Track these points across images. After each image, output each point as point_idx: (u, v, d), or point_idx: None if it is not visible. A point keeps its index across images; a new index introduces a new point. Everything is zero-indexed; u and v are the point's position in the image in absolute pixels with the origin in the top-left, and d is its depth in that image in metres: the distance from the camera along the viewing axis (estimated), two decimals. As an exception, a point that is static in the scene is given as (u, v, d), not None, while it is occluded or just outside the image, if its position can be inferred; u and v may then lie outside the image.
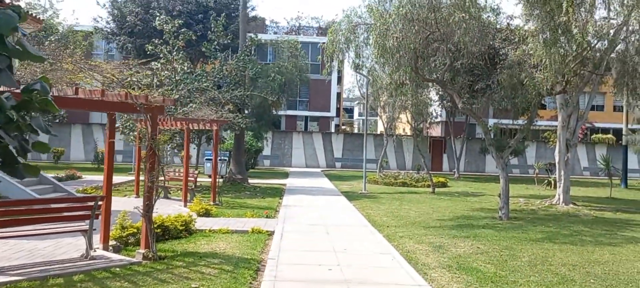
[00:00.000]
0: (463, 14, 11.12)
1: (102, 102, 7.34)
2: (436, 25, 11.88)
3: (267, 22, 46.66)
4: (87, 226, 7.62)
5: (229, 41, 20.94)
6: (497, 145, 15.75)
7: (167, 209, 13.60)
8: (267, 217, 12.58)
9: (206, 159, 26.76)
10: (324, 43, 14.75)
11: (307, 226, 11.59)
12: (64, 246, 8.39)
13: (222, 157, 25.24)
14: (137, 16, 31.29)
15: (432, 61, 14.32)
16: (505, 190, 14.00)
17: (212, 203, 14.56)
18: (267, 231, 10.55)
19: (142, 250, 7.97)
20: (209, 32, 21.28)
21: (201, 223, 11.07)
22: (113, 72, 7.47)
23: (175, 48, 19.09)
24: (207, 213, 12.41)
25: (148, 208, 8.03)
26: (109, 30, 33.43)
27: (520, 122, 17.28)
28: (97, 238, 8.25)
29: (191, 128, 15.85)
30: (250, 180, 23.21)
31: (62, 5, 75.48)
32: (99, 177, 22.84)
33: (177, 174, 16.95)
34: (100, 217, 8.10)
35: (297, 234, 10.49)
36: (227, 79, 19.78)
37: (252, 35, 22.04)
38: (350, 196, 18.90)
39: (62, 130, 36.75)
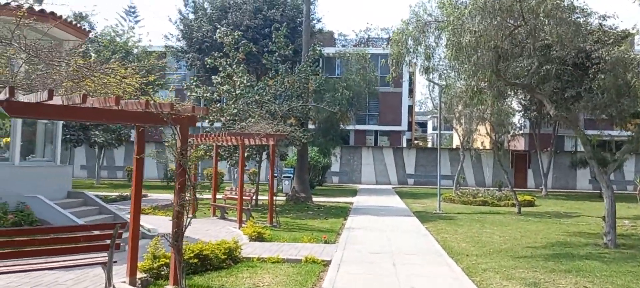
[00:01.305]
0: (557, 1, 9.13)
1: (120, 112, 6.26)
2: (522, 17, 9.95)
3: (335, 36, 45.58)
4: (107, 257, 6.54)
5: (291, 53, 19.87)
6: (598, 159, 13.34)
7: (221, 231, 12.58)
8: (325, 242, 11.10)
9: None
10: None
11: (370, 254, 9.97)
12: (88, 279, 7.39)
13: (287, 174, 24.16)
14: (206, 33, 31.25)
15: (515, 65, 12.32)
16: (611, 211, 11.64)
17: (268, 224, 13.36)
18: (322, 260, 9.08)
19: (170, 287, 6.79)
20: (270, 42, 20.40)
21: (250, 249, 9.83)
22: (133, 76, 6.30)
23: (236, 61, 18.32)
24: (260, 237, 11.16)
25: (177, 236, 6.82)
26: (178, 47, 33.74)
27: (621, 133, 14.63)
28: (123, 270, 7.19)
29: (248, 143, 14.82)
30: (315, 199, 21.88)
31: (141, 30, 78.60)
32: (165, 196, 22.55)
33: (233, 193, 15.96)
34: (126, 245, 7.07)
35: (356, 265, 8.92)
36: (289, 91, 18.65)
37: (315, 45, 20.85)
38: (423, 217, 16.99)
39: (136, 148, 37.55)
